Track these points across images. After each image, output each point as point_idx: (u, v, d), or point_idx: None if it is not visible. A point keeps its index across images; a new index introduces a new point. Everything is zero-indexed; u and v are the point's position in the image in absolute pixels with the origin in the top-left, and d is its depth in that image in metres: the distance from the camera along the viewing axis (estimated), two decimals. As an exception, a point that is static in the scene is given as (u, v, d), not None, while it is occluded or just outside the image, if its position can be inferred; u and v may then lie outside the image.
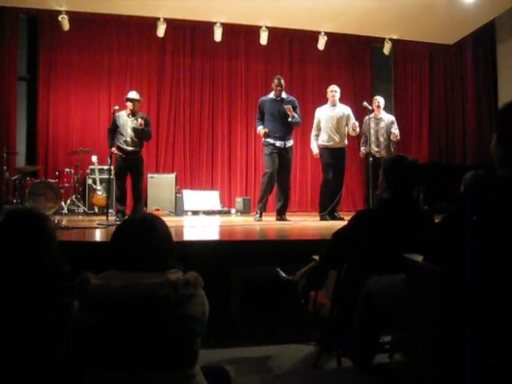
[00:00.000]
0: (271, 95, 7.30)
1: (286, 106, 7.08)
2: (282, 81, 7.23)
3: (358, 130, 7.53)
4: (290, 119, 7.11)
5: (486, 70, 10.13)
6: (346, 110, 7.65)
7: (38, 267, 1.93)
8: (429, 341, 2.00)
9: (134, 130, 7.20)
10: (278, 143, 7.12)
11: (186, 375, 1.71)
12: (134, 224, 1.89)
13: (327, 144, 7.47)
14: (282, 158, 7.17)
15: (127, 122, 7.22)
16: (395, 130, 7.66)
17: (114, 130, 7.19)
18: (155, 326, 1.66)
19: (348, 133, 7.61)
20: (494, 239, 1.71)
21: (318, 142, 7.57)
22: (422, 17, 8.87)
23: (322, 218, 7.37)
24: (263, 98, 7.45)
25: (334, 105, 7.58)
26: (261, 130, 7.23)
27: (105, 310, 1.64)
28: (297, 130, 10.37)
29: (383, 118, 7.80)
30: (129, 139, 7.19)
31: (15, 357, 1.78)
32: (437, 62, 10.93)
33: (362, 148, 7.82)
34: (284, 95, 7.27)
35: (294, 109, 7.16)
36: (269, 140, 7.14)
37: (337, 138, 7.46)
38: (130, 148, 7.21)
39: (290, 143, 7.26)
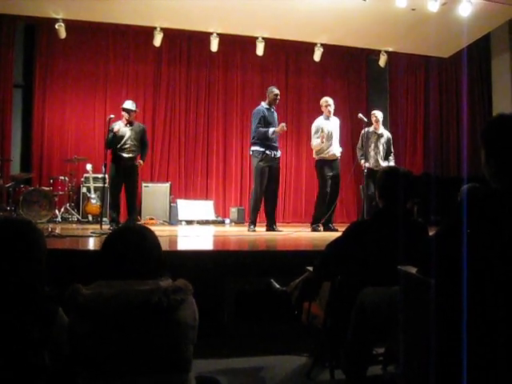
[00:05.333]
0: (266, 105, 7.27)
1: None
2: None
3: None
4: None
5: (481, 83, 10.22)
6: (337, 121, 7.70)
7: (15, 279, 1.83)
8: (423, 353, 1.99)
9: (132, 138, 7.21)
10: (273, 153, 7.15)
11: (180, 381, 1.72)
12: (124, 233, 1.90)
13: (326, 156, 7.42)
14: (272, 168, 7.19)
15: (126, 131, 7.20)
16: (392, 149, 7.87)
17: (112, 139, 7.11)
18: (148, 333, 1.67)
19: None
20: (490, 252, 1.71)
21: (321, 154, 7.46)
22: (417, 30, 8.93)
23: (314, 229, 7.35)
24: (260, 107, 7.28)
25: (328, 117, 7.57)
26: (276, 128, 7.12)
27: (99, 318, 1.64)
28: (292, 142, 10.48)
29: (383, 134, 7.81)
30: (127, 146, 7.17)
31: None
32: (432, 74, 10.98)
33: (363, 161, 7.58)
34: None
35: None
36: (264, 150, 7.10)
37: (334, 150, 7.47)
38: (128, 155, 7.18)
39: (279, 154, 7.31)
